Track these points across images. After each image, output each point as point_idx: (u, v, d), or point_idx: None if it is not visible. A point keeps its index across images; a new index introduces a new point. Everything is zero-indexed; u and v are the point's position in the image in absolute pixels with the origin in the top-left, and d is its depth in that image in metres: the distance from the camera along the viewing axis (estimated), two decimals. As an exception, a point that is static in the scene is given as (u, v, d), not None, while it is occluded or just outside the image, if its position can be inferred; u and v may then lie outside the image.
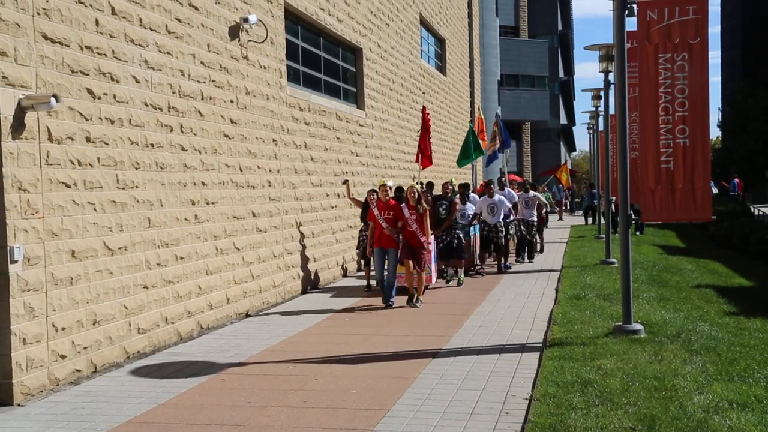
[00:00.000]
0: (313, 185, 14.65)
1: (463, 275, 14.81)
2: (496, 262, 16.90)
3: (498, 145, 21.65)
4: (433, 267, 14.09)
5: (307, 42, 15.18)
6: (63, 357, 7.74)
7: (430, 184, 18.09)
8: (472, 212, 16.20)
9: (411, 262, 12.22)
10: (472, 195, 17.46)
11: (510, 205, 16.93)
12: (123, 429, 6.36)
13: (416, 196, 12.18)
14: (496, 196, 16.32)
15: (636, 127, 15.60)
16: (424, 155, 16.93)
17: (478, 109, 24.26)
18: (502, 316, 11.13)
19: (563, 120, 75.43)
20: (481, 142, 22.12)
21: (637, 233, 25.89)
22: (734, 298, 12.46)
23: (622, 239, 9.79)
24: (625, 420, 6.07)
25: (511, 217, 17.57)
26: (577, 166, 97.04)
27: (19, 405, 7.09)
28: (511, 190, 18.85)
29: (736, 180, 44.51)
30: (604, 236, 19.92)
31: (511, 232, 17.61)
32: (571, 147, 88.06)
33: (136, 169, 9.04)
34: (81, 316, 8.02)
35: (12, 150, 7.11)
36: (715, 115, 76.69)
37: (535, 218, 18.66)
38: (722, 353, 8.27)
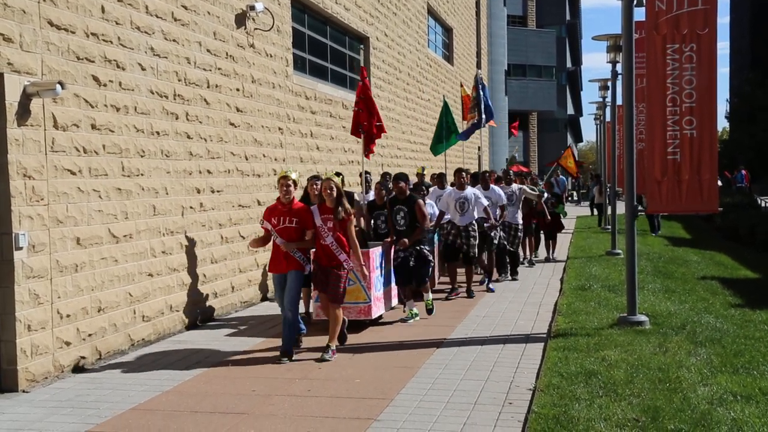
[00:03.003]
0: (318, 174, 14.62)
1: (430, 298, 10.65)
2: (466, 282, 12.16)
3: (477, 119, 16.15)
4: (375, 293, 9.78)
5: (314, 30, 15.14)
6: (68, 344, 7.75)
7: (385, 176, 13.22)
8: (433, 211, 11.93)
9: (323, 294, 8.65)
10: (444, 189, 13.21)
11: (486, 203, 12.19)
12: (127, 416, 6.38)
13: (334, 193, 8.33)
14: (468, 189, 12.00)
15: (643, 118, 15.54)
16: (371, 133, 11.65)
17: (461, 86, 20.02)
18: (507, 306, 11.12)
19: (570, 110, 75.24)
20: (460, 122, 17.79)
21: (653, 234, 22.96)
22: (740, 290, 12.42)
23: (627, 230, 9.76)
24: (629, 411, 6.06)
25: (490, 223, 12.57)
26: (583, 156, 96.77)
27: (23, 391, 7.12)
28: (496, 187, 13.42)
29: (744, 171, 44.23)
30: (609, 227, 19.84)
31: (494, 242, 12.89)
32: (577, 137, 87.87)
33: (142, 156, 9.03)
34: (86, 303, 8.04)
35: (17, 137, 7.11)
36: (723, 107, 76.09)
37: (521, 220, 14.20)
38: (727, 345, 8.25)
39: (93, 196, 8.17)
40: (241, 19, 11.56)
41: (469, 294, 12.05)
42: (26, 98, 7.18)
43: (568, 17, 71.46)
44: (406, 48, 21.37)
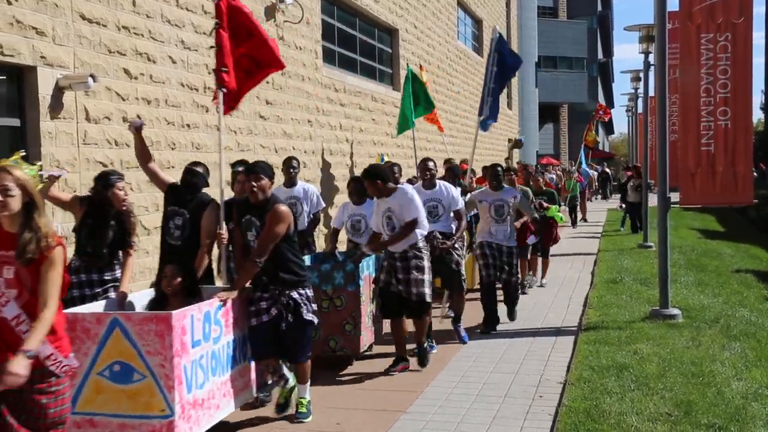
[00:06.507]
0: (347, 167, 14.64)
1: (307, 398, 6.11)
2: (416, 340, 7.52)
3: (489, 105, 11.68)
4: (186, 396, 5.07)
5: (343, 23, 15.12)
6: (100, 334, 7.80)
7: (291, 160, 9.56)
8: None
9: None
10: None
11: (413, 217, 7.19)
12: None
13: (14, 203, 3.77)
14: (401, 192, 7.24)
15: (676, 110, 15.35)
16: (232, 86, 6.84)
17: (419, 66, 16.10)
18: (537, 299, 11.05)
19: (601, 102, 74.56)
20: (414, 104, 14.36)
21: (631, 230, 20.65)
22: (775, 283, 12.23)
23: (660, 222, 9.64)
24: (662, 405, 5.99)
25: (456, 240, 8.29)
26: (615, 148, 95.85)
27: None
28: (448, 186, 8.46)
29: (778, 163, 43.57)
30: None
31: (457, 265, 8.33)
32: (609, 129, 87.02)
33: (173, 149, 9.09)
34: (118, 294, 8.10)
35: (50, 129, 7.18)
36: (758, 97, 74.99)
37: (514, 241, 9.28)
38: (762, 339, 8.12)
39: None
40: (270, 12, 11.58)
41: (422, 361, 7.44)
42: (59, 91, 7.25)
43: (599, 8, 70.71)
44: (435, 40, 21.29)
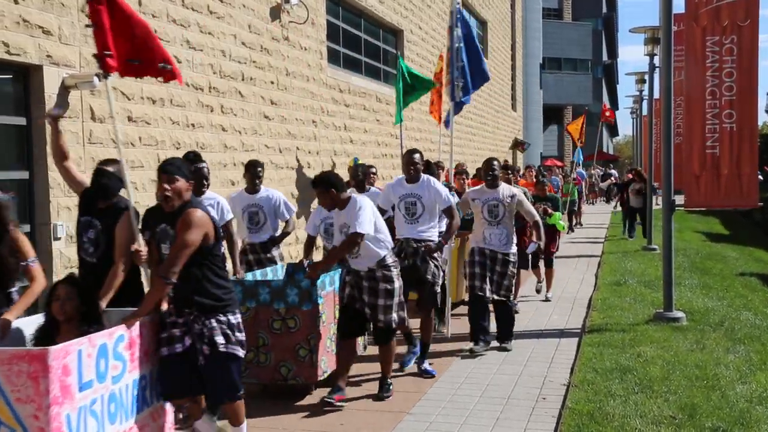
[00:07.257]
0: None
1: None
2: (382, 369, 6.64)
3: (462, 86, 9.66)
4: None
5: (348, 23, 15.13)
6: (104, 333, 7.78)
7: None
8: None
9: None
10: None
11: (355, 230, 6.15)
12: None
13: None
14: (351, 203, 6.29)
15: (680, 112, 15.33)
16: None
17: (440, 59, 13.68)
18: (540, 302, 11.04)
19: (606, 104, 74.46)
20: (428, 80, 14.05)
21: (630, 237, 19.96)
22: (779, 287, 12.22)
23: (664, 225, 9.63)
24: (665, 408, 5.98)
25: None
26: (619, 151, 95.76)
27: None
28: (434, 181, 7.48)
29: (784, 166, 43.42)
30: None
31: (434, 277, 7.30)
32: (613, 132, 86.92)
33: (177, 149, 9.10)
34: (122, 293, 8.10)
35: (56, 128, 7.18)
36: (763, 100, 75.07)
37: (514, 248, 8.07)
38: (766, 342, 8.11)
39: (129, 187, 8.22)
40: (275, 12, 11.59)
41: (380, 395, 6.52)
42: (64, 90, 7.26)
43: (604, 10, 70.65)
44: (440, 41, 21.28)
